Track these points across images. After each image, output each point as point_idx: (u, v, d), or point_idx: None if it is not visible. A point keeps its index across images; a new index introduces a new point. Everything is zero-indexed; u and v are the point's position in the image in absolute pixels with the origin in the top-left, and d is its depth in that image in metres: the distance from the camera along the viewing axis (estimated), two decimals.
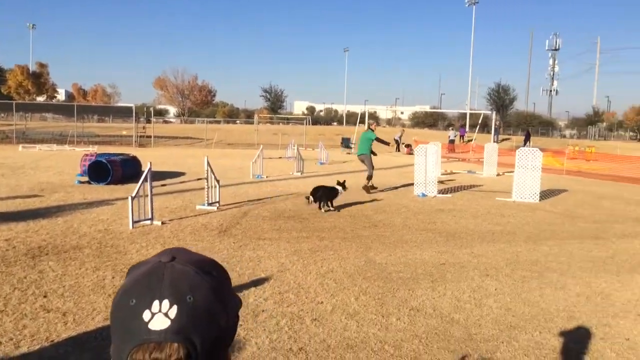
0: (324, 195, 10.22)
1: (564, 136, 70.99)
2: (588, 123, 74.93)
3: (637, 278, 6.27)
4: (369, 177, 13.22)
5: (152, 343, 0.75)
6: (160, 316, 0.76)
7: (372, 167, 13.33)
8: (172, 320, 0.76)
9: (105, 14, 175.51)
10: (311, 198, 10.22)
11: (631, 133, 68.62)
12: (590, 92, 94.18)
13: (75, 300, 4.86)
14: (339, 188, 10.45)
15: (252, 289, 5.35)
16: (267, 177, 16.01)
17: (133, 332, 0.76)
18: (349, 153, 30.93)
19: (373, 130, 13.79)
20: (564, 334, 4.46)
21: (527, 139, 42.03)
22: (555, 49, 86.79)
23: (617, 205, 12.47)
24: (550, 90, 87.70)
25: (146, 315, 0.76)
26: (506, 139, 47.48)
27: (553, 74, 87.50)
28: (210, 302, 0.81)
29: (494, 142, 39.48)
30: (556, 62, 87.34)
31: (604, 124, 76.81)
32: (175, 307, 0.77)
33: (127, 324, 0.77)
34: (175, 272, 0.81)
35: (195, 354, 0.77)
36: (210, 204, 10.09)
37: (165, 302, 0.77)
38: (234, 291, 0.90)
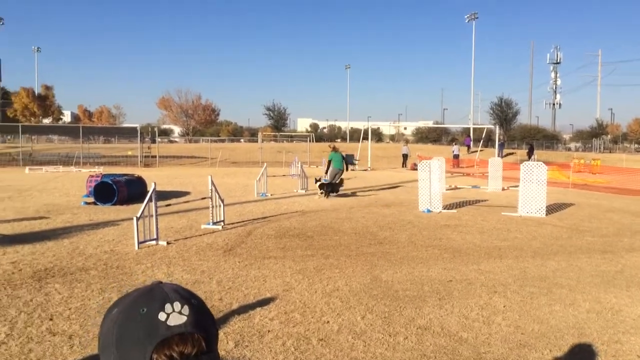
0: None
1: (569, 149, 70.78)
2: (592, 136, 74.75)
3: None
4: (331, 183, 16.20)
5: (175, 336, 0.82)
6: (175, 314, 0.84)
7: (333, 178, 16.48)
8: (187, 316, 0.85)
9: (108, 36, 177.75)
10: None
11: (636, 145, 68.39)
12: (594, 104, 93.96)
13: (81, 322, 4.84)
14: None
15: (258, 309, 5.32)
16: (271, 195, 16.02)
17: (152, 333, 0.82)
18: (353, 169, 30.95)
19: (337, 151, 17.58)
20: (574, 351, 4.40)
21: (530, 152, 41.96)
22: (557, 62, 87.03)
23: (624, 218, 12.38)
24: (553, 104, 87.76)
25: (162, 316, 0.83)
26: (510, 154, 47.41)
27: (555, 87, 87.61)
28: (206, 307, 0.92)
29: (499, 156, 39.48)
30: (558, 75, 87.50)
31: (609, 136, 76.63)
32: (186, 307, 0.86)
33: (142, 328, 0.83)
34: (171, 286, 0.91)
35: (210, 346, 0.86)
36: (215, 223, 10.09)
37: (177, 304, 0.85)
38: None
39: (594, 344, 4.55)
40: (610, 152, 63.04)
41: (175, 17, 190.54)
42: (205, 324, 0.87)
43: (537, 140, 67.54)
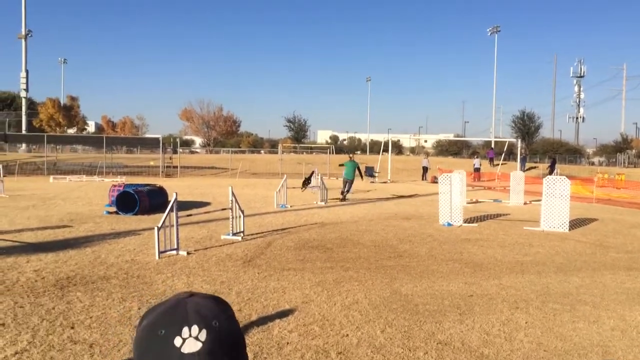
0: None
1: (593, 163, 69.63)
2: (616, 150, 73.47)
3: None
4: (343, 192, 18.95)
5: None
6: (191, 340, 0.82)
7: (347, 186, 18.99)
8: (203, 343, 0.82)
9: (131, 47, 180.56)
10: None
11: None
12: (618, 118, 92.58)
13: (102, 331, 4.89)
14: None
15: (277, 320, 5.31)
16: (291, 206, 16.04)
17: (165, 359, 0.80)
18: (372, 182, 30.86)
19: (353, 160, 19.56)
20: None
21: (552, 166, 41.42)
22: (580, 76, 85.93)
23: None
24: (577, 117, 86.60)
25: (177, 341, 0.81)
26: (533, 167, 46.84)
27: (579, 101, 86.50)
28: (232, 327, 0.88)
29: (521, 170, 39.04)
30: (582, 89, 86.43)
31: (633, 150, 75.23)
32: (204, 331, 0.83)
33: (158, 352, 0.81)
34: (196, 304, 0.87)
35: None
36: (234, 234, 10.13)
37: (195, 328, 0.83)
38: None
39: None
40: (635, 167, 61.78)
41: (198, 28, 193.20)
42: (222, 351, 0.83)
43: (560, 154, 66.66)
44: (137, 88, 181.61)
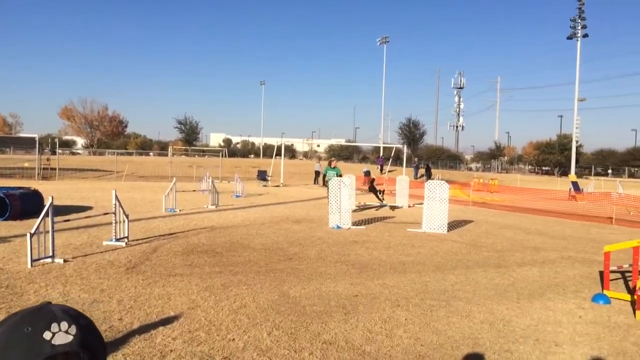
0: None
1: (470, 169, 75.12)
2: (491, 157, 79.88)
3: (536, 304, 6.67)
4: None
5: (60, 355, 0.83)
6: (62, 334, 0.85)
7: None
8: (74, 336, 0.85)
9: (4, 39, 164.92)
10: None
11: (530, 166, 73.77)
12: (493, 128, 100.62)
13: None
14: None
15: (161, 328, 5.14)
16: (180, 210, 15.60)
17: (36, 351, 0.82)
18: (265, 185, 30.88)
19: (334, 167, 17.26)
20: None
21: (428, 171, 44.24)
22: (460, 87, 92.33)
23: (517, 234, 13.28)
24: (457, 126, 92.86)
25: (47, 335, 0.84)
26: (422, 175, 49.40)
27: (459, 111, 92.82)
28: (95, 327, 0.93)
29: (415, 178, 41.11)
30: (461, 99, 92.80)
31: (506, 157, 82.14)
32: (74, 326, 0.86)
33: (26, 347, 0.82)
34: (60, 306, 0.91)
35: None
36: (118, 240, 9.66)
37: (64, 323, 0.86)
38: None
39: (486, 354, 4.83)
40: (507, 172, 67.57)
41: (81, 22, 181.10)
42: (92, 344, 0.88)
43: (441, 160, 71.13)
44: (11, 83, 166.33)
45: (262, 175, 33.95)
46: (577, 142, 51.35)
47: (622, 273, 8.56)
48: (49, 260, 7.95)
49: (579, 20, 48.73)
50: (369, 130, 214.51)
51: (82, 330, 0.87)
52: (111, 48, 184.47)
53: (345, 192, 13.45)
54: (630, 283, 7.77)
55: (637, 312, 6.25)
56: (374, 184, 21.65)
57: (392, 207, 18.93)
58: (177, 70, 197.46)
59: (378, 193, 20.53)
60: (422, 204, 14.38)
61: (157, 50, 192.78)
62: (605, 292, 7.17)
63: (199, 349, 4.62)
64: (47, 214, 7.97)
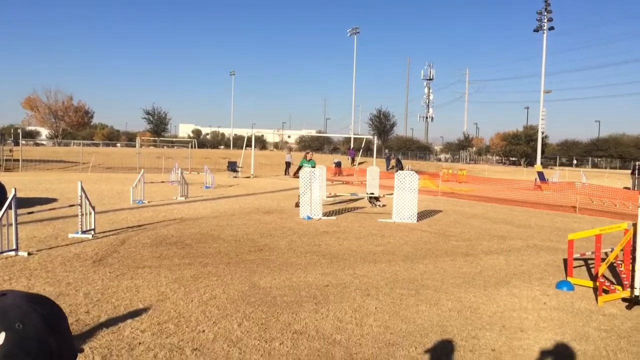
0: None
1: (440, 160, 76.08)
2: (460, 148, 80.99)
3: (502, 291, 6.81)
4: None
5: None
6: None
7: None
8: (1, 345, 0.81)
9: None
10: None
11: (497, 157, 75.07)
12: (461, 119, 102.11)
13: None
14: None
15: (129, 320, 5.07)
16: (148, 202, 15.38)
17: None
18: (235, 177, 30.67)
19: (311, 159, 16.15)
20: (437, 348, 4.72)
21: (399, 163, 44.69)
22: (430, 79, 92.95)
23: (484, 224, 13.52)
24: (426, 117, 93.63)
25: None
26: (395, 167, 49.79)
27: (428, 102, 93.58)
28: (40, 329, 0.87)
29: (388, 170, 41.36)
30: (431, 90, 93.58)
31: (474, 148, 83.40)
32: (3, 334, 0.82)
33: None
34: (5, 304, 0.87)
35: None
36: (84, 232, 9.47)
37: None
38: (74, 337, 0.95)
39: (455, 340, 4.91)
40: (475, 163, 68.67)
41: (45, 9, 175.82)
42: (24, 352, 0.83)
43: (411, 150, 71.80)
44: None
45: (233, 167, 33.66)
46: (542, 133, 52.36)
47: (585, 260, 8.82)
48: (12, 253, 7.75)
49: (545, 13, 49.59)
50: (340, 121, 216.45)
51: (13, 338, 0.83)
52: (76, 37, 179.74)
53: (316, 183, 13.45)
54: (592, 270, 8.00)
55: (599, 298, 6.45)
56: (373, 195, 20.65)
57: (372, 200, 18.38)
58: (145, 60, 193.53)
59: (376, 201, 19.72)
60: (392, 194, 14.49)
61: (124, 40, 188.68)
62: (568, 279, 7.38)
63: (168, 341, 4.58)
64: (10, 207, 7.75)
